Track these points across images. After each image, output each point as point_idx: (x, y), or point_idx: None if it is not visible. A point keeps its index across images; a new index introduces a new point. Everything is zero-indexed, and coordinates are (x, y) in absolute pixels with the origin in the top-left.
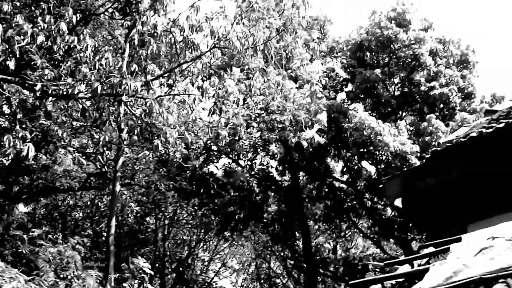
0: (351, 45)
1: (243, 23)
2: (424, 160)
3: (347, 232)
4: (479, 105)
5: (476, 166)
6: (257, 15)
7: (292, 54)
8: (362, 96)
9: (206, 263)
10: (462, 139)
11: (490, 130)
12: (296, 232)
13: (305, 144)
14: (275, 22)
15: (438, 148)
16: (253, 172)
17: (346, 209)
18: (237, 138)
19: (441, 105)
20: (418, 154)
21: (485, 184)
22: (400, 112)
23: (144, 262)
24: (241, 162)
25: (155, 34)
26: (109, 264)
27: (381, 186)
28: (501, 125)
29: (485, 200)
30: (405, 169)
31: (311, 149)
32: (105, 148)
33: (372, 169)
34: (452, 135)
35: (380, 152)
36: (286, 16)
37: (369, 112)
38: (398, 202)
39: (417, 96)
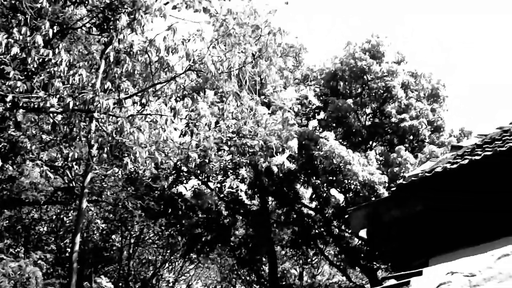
0: (325, 74)
1: (219, 47)
2: (389, 192)
3: (313, 258)
4: (448, 139)
5: (440, 200)
6: (233, 40)
7: (266, 80)
8: (334, 124)
9: (171, 284)
10: (427, 174)
11: (454, 166)
12: (263, 257)
13: (275, 169)
14: (250, 48)
15: (404, 182)
16: (222, 195)
17: (314, 235)
18: (207, 160)
19: (411, 137)
20: (386, 185)
21: (448, 218)
22: (371, 142)
23: (107, 282)
24: (210, 184)
25: (131, 52)
26: (71, 282)
27: (346, 216)
28: (465, 161)
29: (447, 234)
30: (373, 199)
31: (281, 175)
32: (74, 163)
33: (340, 197)
34: (418, 169)
35: (349, 181)
36: (263, 42)
37: (340, 141)
38: (363, 233)
39: (388, 127)
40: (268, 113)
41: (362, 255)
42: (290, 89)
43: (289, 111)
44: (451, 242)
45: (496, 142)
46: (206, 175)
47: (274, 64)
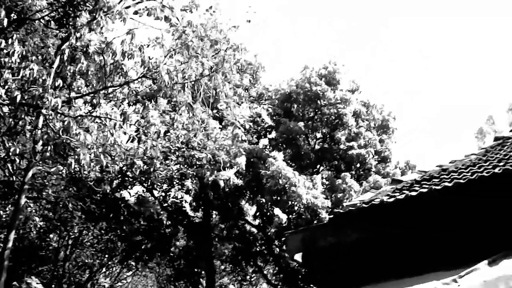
0: (280, 94)
1: (176, 58)
2: (327, 219)
3: (252, 276)
4: (393, 170)
5: (375, 232)
6: (191, 52)
7: (220, 95)
8: (284, 145)
9: None
10: (364, 205)
11: (391, 200)
12: (202, 270)
13: (221, 184)
14: (207, 62)
15: (341, 210)
16: (166, 204)
17: (254, 253)
18: (152, 169)
19: (358, 165)
20: (329, 210)
21: (381, 249)
22: (318, 166)
23: (37, 283)
24: (155, 192)
25: (87, 52)
26: (0, 280)
27: (283, 238)
28: (402, 196)
29: (378, 265)
30: (315, 222)
31: (227, 190)
32: (16, 157)
33: (284, 217)
34: (357, 199)
35: (293, 202)
36: (221, 57)
37: (288, 161)
38: (298, 257)
39: (336, 153)
40: (219, 128)
41: (300, 276)
42: (244, 106)
43: (239, 128)
44: (380, 273)
45: (434, 180)
46: (151, 183)
47: (229, 80)
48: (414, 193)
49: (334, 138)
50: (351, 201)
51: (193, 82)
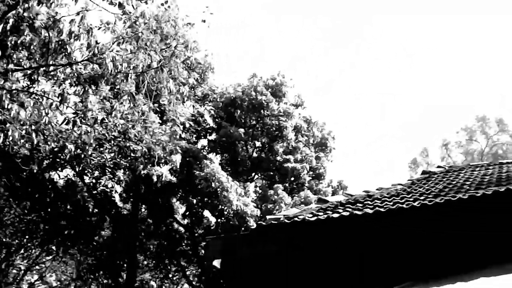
0: (225, 98)
1: (124, 47)
2: (249, 230)
3: (175, 274)
4: (325, 188)
5: (294, 247)
6: (140, 43)
7: (163, 90)
8: (222, 149)
9: (22, 272)
10: (286, 220)
11: (313, 218)
12: (124, 263)
13: (154, 179)
14: (155, 55)
15: (264, 223)
16: (95, 192)
17: (179, 252)
18: (83, 155)
19: (292, 178)
20: (257, 219)
21: (297, 264)
22: (253, 174)
23: None
24: (86, 178)
25: (33, 25)
26: None
27: (204, 244)
28: (324, 216)
29: (294, 279)
30: (243, 229)
31: (159, 185)
32: None
33: (213, 220)
34: (281, 213)
35: (223, 206)
36: (171, 52)
37: (225, 166)
38: (216, 263)
39: (272, 164)
40: (159, 122)
41: (221, 281)
42: (188, 104)
43: (179, 126)
44: (294, 286)
45: (358, 205)
46: (82, 168)
47: (175, 77)
48: (335, 215)
49: (272, 149)
50: (276, 215)
51: (138, 73)
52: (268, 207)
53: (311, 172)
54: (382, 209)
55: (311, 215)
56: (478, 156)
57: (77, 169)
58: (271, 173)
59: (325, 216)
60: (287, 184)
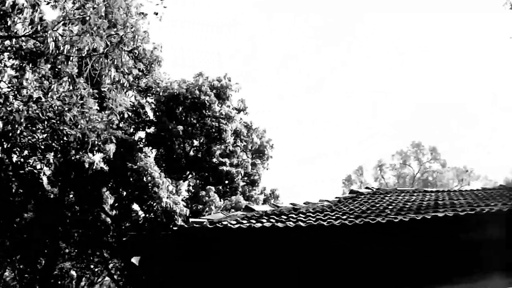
0: (168, 93)
1: (69, 28)
2: (172, 231)
3: (97, 266)
4: (258, 195)
5: (214, 253)
6: (86, 27)
7: (105, 77)
8: (159, 144)
9: None
10: (209, 225)
11: (236, 226)
12: (45, 249)
13: (86, 165)
14: (100, 41)
15: (186, 225)
16: (22, 171)
17: (103, 243)
18: (12, 133)
19: (226, 182)
20: (186, 218)
21: (219, 271)
22: (188, 173)
23: None
24: (14, 156)
25: None
26: None
27: (124, 239)
28: (246, 225)
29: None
30: (171, 227)
31: (90, 173)
32: None
33: (142, 215)
34: (205, 217)
35: (153, 202)
36: (117, 39)
37: (159, 161)
38: (135, 260)
39: (208, 165)
40: (97, 109)
41: (144, 277)
42: (130, 94)
43: (117, 115)
44: None
45: (282, 217)
46: (11, 145)
47: (119, 65)
48: (258, 225)
49: (210, 150)
50: (201, 218)
51: (81, 57)
52: (199, 207)
53: (246, 178)
54: (303, 224)
55: (234, 222)
56: (409, 180)
57: (5, 146)
58: (206, 174)
59: (248, 225)
60: (220, 187)
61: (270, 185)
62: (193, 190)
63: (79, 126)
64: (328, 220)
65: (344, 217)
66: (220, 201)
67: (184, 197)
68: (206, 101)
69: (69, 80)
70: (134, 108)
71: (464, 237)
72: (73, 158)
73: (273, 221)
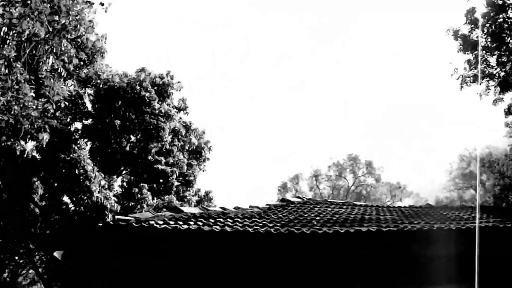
0: (109, 86)
1: (10, 11)
2: (97, 227)
3: (22, 257)
4: (192, 196)
5: (137, 251)
6: (27, 11)
7: (41, 65)
8: (95, 137)
9: None
10: (134, 224)
11: (162, 227)
12: None
13: (17, 153)
14: (40, 27)
15: (111, 222)
16: None
17: (30, 234)
18: None
19: (161, 180)
20: (116, 215)
21: (141, 269)
22: (122, 169)
23: None
24: None
25: None
26: None
27: (49, 232)
28: (172, 226)
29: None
30: (100, 222)
31: (20, 161)
32: None
33: (72, 208)
34: (133, 215)
35: (83, 196)
36: (59, 26)
37: (94, 154)
38: (57, 255)
39: (143, 163)
40: (32, 96)
41: (67, 272)
42: (69, 83)
43: (53, 104)
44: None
45: (210, 220)
46: None
47: (59, 53)
48: (185, 227)
49: (146, 147)
50: (129, 216)
51: (19, 41)
52: (130, 204)
53: (181, 178)
54: (229, 229)
55: (161, 223)
56: (344, 192)
57: None
58: (141, 171)
59: (174, 226)
60: (154, 185)
61: (207, 187)
62: (126, 186)
63: (12, 112)
64: (255, 227)
65: (271, 225)
66: (153, 199)
67: (117, 193)
68: (146, 97)
69: (5, 63)
70: (73, 98)
71: (385, 251)
72: (3, 144)
73: (200, 224)
